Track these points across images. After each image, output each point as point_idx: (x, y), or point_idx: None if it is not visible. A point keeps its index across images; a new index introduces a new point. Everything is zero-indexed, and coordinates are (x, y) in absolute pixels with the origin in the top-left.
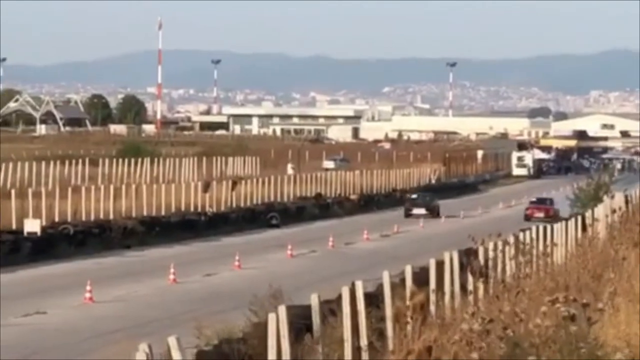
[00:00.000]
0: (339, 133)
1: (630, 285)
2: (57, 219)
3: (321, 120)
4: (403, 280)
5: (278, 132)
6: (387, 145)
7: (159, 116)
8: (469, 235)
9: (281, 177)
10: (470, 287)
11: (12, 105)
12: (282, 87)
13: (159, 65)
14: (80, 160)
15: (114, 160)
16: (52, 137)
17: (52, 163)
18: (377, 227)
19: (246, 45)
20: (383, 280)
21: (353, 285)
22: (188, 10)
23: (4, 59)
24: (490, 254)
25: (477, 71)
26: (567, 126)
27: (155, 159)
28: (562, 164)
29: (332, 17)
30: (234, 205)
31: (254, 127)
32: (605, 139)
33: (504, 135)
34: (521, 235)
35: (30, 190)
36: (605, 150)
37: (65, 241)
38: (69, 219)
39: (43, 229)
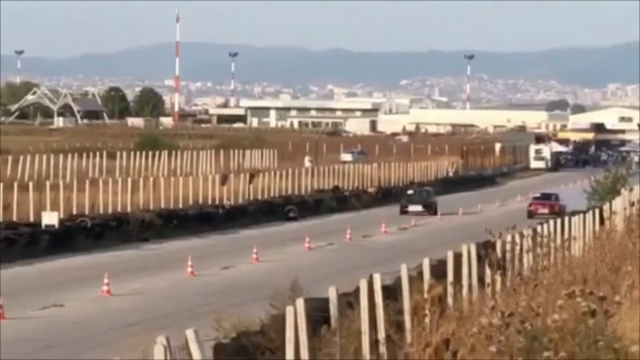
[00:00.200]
0: (357, 126)
1: None
2: (74, 212)
3: (339, 113)
4: (421, 273)
5: (296, 125)
6: (404, 138)
7: (176, 109)
8: (486, 229)
9: (299, 169)
10: (487, 279)
11: (29, 97)
12: (300, 80)
13: (176, 58)
14: (97, 153)
15: (132, 153)
16: (70, 130)
17: (69, 156)
18: (395, 220)
19: (264, 38)
20: (401, 273)
21: (371, 277)
22: (206, 3)
23: (22, 52)
24: (508, 246)
25: (495, 64)
26: (584, 119)
27: (173, 152)
28: (579, 156)
29: (349, 10)
30: (251, 198)
31: (272, 120)
32: (623, 131)
33: (521, 128)
34: (539, 228)
35: (48, 183)
36: (623, 143)
37: (83, 234)
38: (87, 212)
39: (61, 221)
